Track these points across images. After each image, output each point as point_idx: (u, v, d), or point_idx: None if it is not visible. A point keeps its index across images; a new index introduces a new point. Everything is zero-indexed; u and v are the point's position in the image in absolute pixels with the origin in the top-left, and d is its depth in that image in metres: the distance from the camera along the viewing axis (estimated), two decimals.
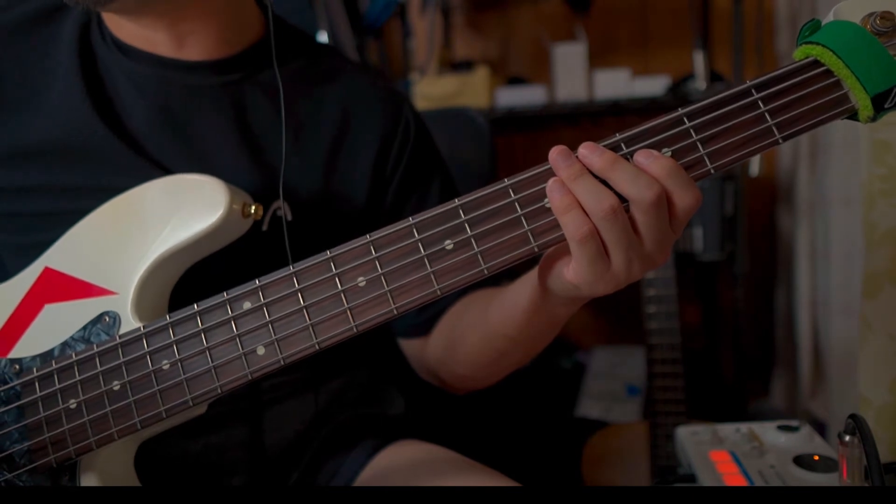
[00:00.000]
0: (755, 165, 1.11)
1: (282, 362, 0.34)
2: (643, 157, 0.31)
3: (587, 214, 0.31)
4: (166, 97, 0.44)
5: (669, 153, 0.32)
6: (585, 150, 0.32)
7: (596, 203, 0.31)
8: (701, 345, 1.33)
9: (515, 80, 1.31)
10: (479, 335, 0.45)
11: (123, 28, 0.45)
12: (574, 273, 0.33)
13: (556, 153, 0.32)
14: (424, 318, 0.52)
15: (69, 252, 0.40)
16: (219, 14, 0.45)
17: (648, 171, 0.31)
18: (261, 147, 0.46)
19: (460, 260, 0.33)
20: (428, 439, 0.52)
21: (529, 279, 0.39)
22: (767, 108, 0.31)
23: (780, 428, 0.53)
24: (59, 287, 0.39)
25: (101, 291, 0.38)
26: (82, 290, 0.38)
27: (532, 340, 0.43)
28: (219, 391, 0.35)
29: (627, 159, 0.32)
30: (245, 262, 0.41)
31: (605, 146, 0.32)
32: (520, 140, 1.42)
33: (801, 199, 1.10)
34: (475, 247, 0.33)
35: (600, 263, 0.32)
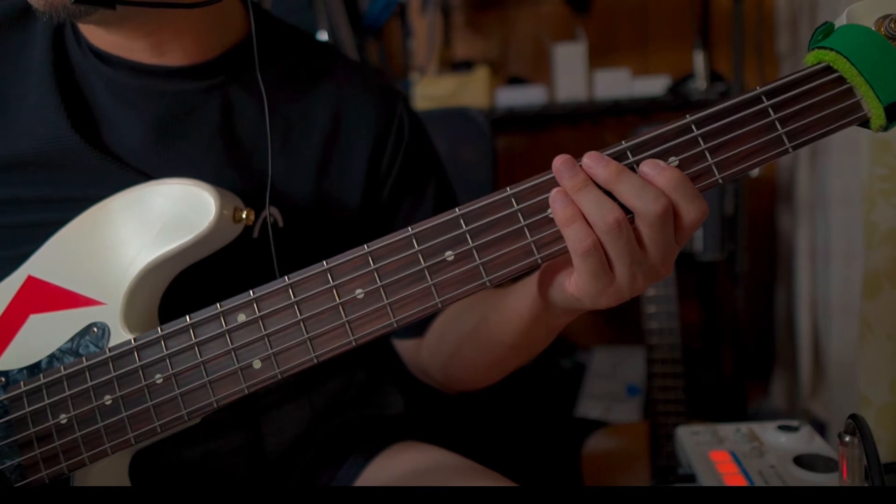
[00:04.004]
0: None
1: (279, 376, 0.34)
2: (649, 167, 0.30)
3: (591, 226, 0.30)
4: (148, 105, 0.43)
5: (677, 162, 0.31)
6: (590, 161, 0.31)
7: (600, 216, 0.30)
8: (701, 345, 1.33)
9: (515, 80, 1.31)
10: (476, 341, 0.45)
11: (100, 36, 0.43)
12: (576, 286, 0.32)
13: (559, 163, 0.31)
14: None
15: (53, 260, 0.39)
16: (199, 22, 0.43)
17: (655, 183, 0.30)
18: (248, 151, 0.45)
19: (462, 272, 0.32)
20: (427, 440, 0.52)
21: (528, 288, 0.38)
22: (778, 115, 0.31)
23: (780, 428, 0.52)
24: (44, 297, 0.38)
25: (88, 301, 0.37)
26: (68, 300, 0.37)
27: (530, 347, 0.43)
28: (214, 405, 0.34)
29: (633, 168, 0.31)
30: (236, 270, 0.40)
31: (610, 154, 0.31)
32: (520, 140, 1.42)
33: (801, 199, 1.10)
34: (477, 258, 0.32)
35: (604, 277, 0.31)
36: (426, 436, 0.52)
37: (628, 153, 0.31)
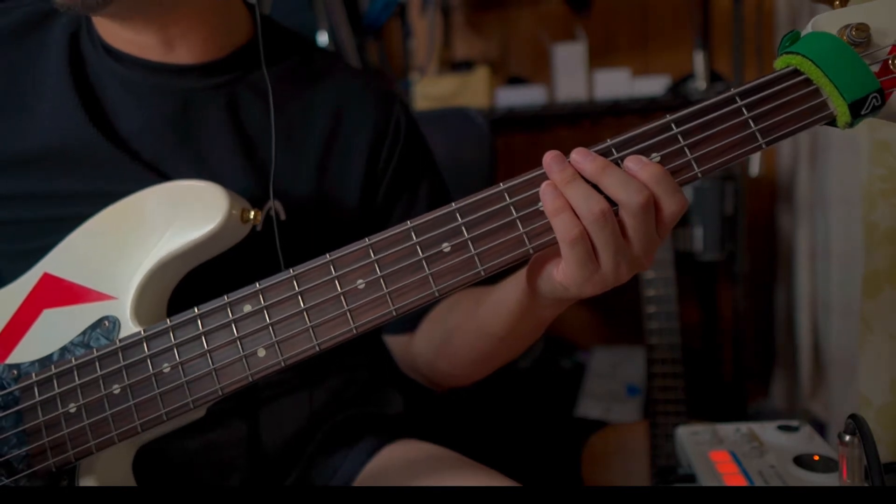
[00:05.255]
0: (755, 165, 1.11)
1: (282, 364, 0.35)
2: (633, 162, 0.32)
3: (578, 217, 0.32)
4: (159, 101, 0.45)
5: (658, 158, 0.33)
6: (578, 156, 0.33)
7: (587, 206, 0.32)
8: (701, 345, 1.33)
9: (515, 80, 1.31)
10: (466, 335, 0.46)
11: (113, 33, 0.45)
12: (563, 274, 0.34)
13: (549, 158, 0.33)
14: (410, 315, 0.52)
15: (68, 257, 0.40)
16: (207, 17, 0.45)
17: (638, 176, 0.32)
18: (254, 147, 0.46)
19: (458, 262, 0.34)
20: (427, 439, 0.52)
21: (517, 281, 0.39)
22: (751, 114, 0.33)
23: (780, 428, 0.53)
24: (58, 292, 0.39)
25: (100, 296, 0.38)
26: (81, 295, 0.39)
27: (518, 340, 0.44)
28: (220, 393, 0.35)
29: (618, 164, 0.33)
30: (240, 261, 0.41)
31: (596, 151, 0.33)
32: (520, 140, 1.42)
33: (801, 199, 1.10)
34: (472, 249, 0.33)
35: (589, 265, 0.33)
36: (426, 435, 0.53)
37: (613, 150, 0.33)
